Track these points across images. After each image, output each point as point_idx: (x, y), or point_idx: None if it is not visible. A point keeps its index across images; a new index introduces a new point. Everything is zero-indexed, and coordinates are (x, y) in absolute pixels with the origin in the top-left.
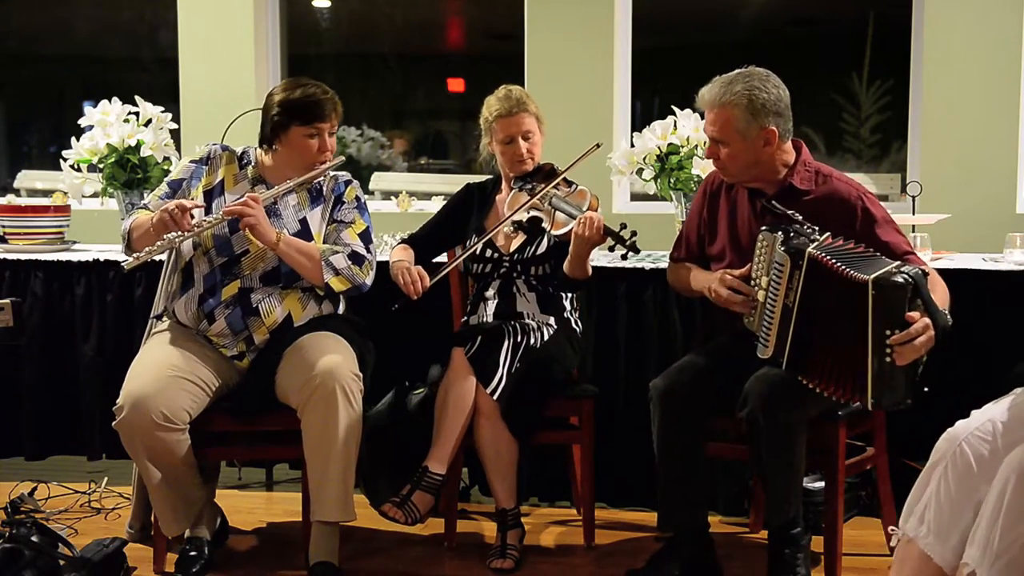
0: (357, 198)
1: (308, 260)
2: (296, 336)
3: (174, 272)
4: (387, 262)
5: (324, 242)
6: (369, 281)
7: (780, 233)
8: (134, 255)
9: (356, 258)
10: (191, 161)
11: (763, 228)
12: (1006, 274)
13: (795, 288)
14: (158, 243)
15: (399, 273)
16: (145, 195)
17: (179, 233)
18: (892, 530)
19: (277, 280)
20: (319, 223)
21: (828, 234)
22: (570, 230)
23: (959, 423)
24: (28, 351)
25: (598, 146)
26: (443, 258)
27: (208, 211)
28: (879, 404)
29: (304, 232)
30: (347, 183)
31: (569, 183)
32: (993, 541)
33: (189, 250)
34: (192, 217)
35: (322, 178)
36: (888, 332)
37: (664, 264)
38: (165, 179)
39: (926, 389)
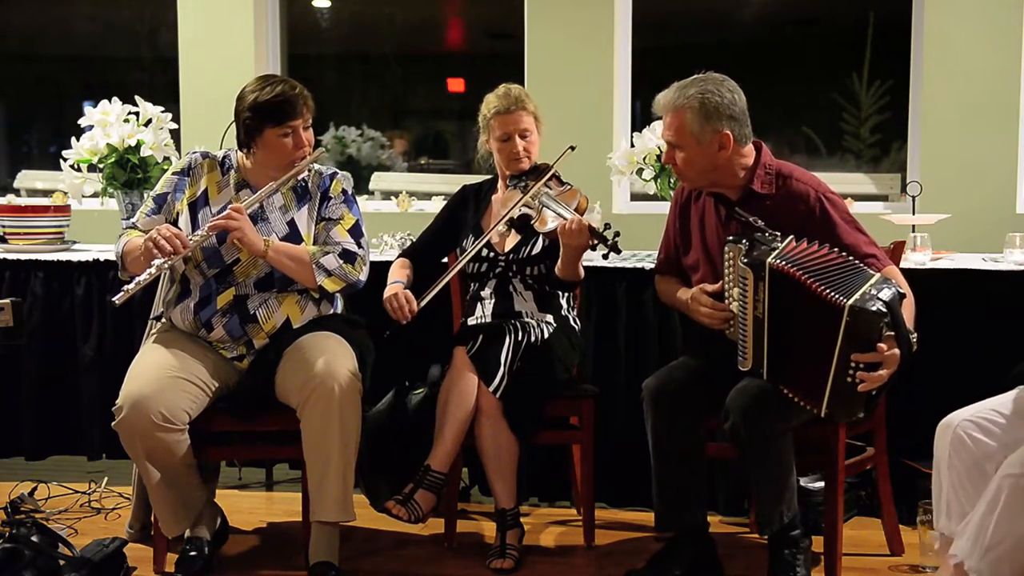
0: (344, 191)
1: (298, 264)
2: (296, 336)
3: (171, 282)
4: (388, 262)
5: (314, 241)
6: (363, 277)
7: (744, 243)
8: (124, 288)
9: (347, 256)
10: (173, 173)
11: (728, 239)
12: (1006, 274)
13: (762, 300)
14: (147, 271)
15: (386, 303)
16: (145, 195)
17: (165, 259)
18: (931, 533)
19: (271, 285)
20: (307, 222)
21: (791, 238)
22: (555, 228)
23: (951, 413)
24: (28, 351)
25: (572, 149)
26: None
27: (194, 221)
28: (832, 416)
29: (293, 234)
30: (332, 176)
31: (562, 182)
32: (985, 534)
33: (181, 264)
34: (177, 239)
35: (306, 174)
36: (854, 358)
37: None
38: (149, 194)
39: (880, 399)
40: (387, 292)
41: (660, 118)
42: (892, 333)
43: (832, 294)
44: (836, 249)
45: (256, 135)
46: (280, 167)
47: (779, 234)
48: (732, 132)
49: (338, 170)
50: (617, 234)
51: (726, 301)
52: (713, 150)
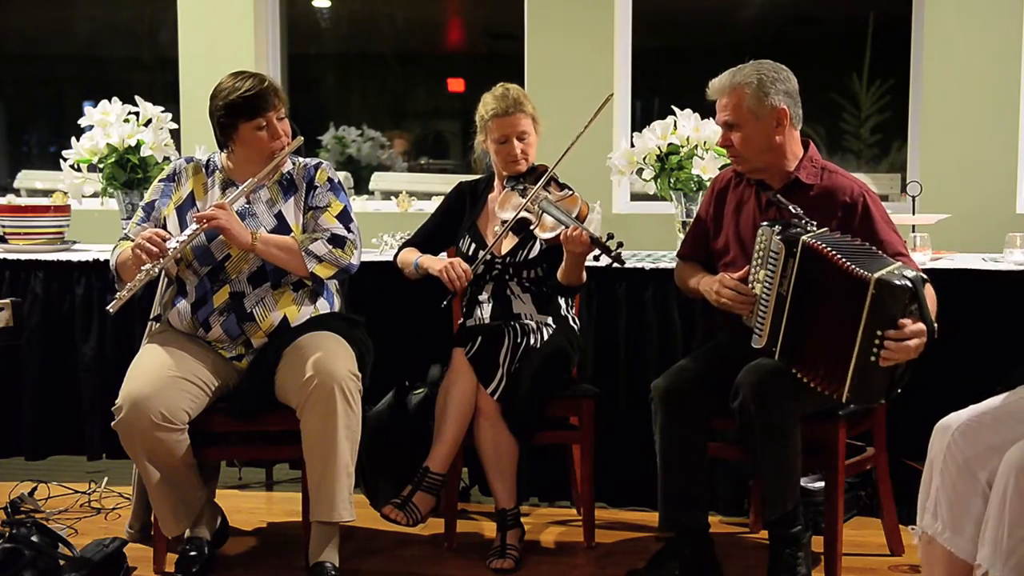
0: (329, 179)
1: (287, 254)
2: (295, 336)
3: (169, 284)
4: (390, 263)
5: (303, 231)
6: (356, 261)
7: (778, 226)
8: (117, 296)
9: (336, 240)
10: (159, 180)
11: (763, 223)
12: (1006, 274)
13: (789, 276)
14: (137, 277)
15: (443, 271)
16: (145, 195)
17: (155, 262)
18: (912, 529)
19: (264, 279)
20: (295, 213)
21: (825, 228)
22: (556, 235)
23: (950, 415)
24: (28, 351)
25: (611, 97)
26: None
27: (182, 224)
28: (853, 399)
29: (282, 227)
30: (316, 167)
31: (561, 187)
32: (1001, 540)
33: (173, 266)
34: (165, 240)
35: (291, 167)
36: (880, 332)
37: (664, 264)
38: (140, 204)
39: (899, 391)
40: (437, 264)
41: (659, 118)
42: (915, 308)
43: (858, 269)
44: (868, 244)
45: (232, 132)
46: (260, 161)
47: (816, 223)
48: (788, 109)
49: (322, 160)
50: (620, 244)
51: (750, 285)
52: (771, 126)
